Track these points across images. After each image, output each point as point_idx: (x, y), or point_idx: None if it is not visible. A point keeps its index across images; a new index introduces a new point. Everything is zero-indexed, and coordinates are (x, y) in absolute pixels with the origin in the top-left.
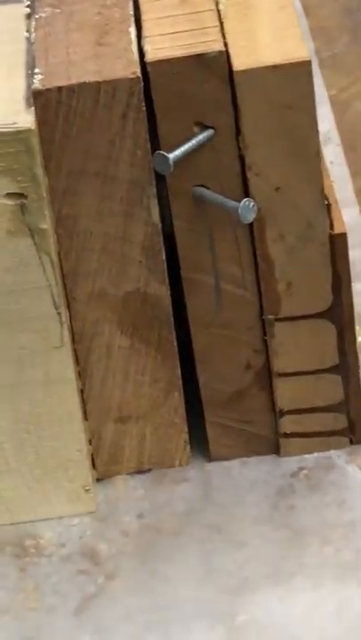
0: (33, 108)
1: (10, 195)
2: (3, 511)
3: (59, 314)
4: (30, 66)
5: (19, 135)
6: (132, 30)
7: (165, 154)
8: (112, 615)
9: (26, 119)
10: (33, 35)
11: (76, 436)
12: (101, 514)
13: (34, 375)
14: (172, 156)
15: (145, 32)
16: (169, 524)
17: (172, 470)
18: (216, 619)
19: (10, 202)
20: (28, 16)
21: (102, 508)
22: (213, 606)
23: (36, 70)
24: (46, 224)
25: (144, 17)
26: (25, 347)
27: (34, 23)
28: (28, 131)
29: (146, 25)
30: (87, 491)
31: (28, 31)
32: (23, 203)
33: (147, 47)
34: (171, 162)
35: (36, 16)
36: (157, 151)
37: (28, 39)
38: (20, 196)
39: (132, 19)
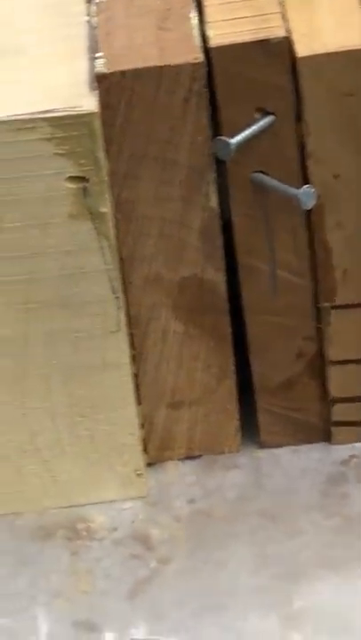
0: (96, 91)
1: (72, 178)
2: (56, 494)
3: (116, 298)
4: (92, 50)
5: (82, 119)
6: (194, 16)
7: (227, 139)
8: (166, 599)
9: (89, 103)
10: (94, 19)
11: (129, 421)
12: (153, 499)
13: (89, 359)
14: (233, 141)
15: (207, 17)
16: (220, 510)
17: (222, 456)
18: (272, 605)
19: (72, 185)
20: (88, 0)
21: (153, 493)
22: (268, 593)
23: (99, 54)
24: (106, 208)
25: (205, 2)
26: (82, 330)
27: (94, 8)
28: (92, 114)
29: (207, 11)
30: (139, 475)
31: (88, 15)
32: (85, 186)
33: (209, 32)
34: (232, 147)
35: (97, 0)
36: (219, 136)
37: (88, 23)
38: (82, 179)
39: (193, 4)
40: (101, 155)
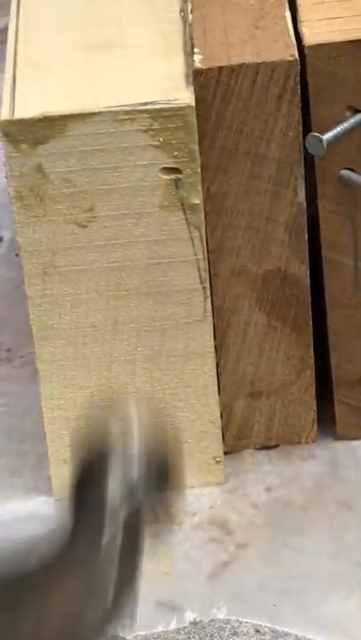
0: (192, 86)
1: (165, 169)
2: None
3: (203, 288)
4: (188, 45)
5: (179, 111)
6: (288, 15)
7: (320, 135)
8: (246, 582)
9: (186, 96)
10: (190, 15)
11: (210, 408)
12: (230, 486)
13: (174, 347)
14: (325, 137)
15: (301, 16)
16: (298, 499)
17: (298, 447)
18: (352, 590)
19: (165, 176)
20: None
21: (231, 481)
22: (349, 578)
23: (196, 50)
24: (198, 199)
25: (299, 2)
26: (168, 318)
27: (190, 4)
28: (188, 107)
29: (301, 9)
30: (218, 462)
31: (182, 11)
32: (178, 178)
33: (304, 31)
34: (324, 144)
35: None
36: (311, 133)
37: (183, 19)
38: (176, 170)
39: (287, 4)
40: (195, 147)
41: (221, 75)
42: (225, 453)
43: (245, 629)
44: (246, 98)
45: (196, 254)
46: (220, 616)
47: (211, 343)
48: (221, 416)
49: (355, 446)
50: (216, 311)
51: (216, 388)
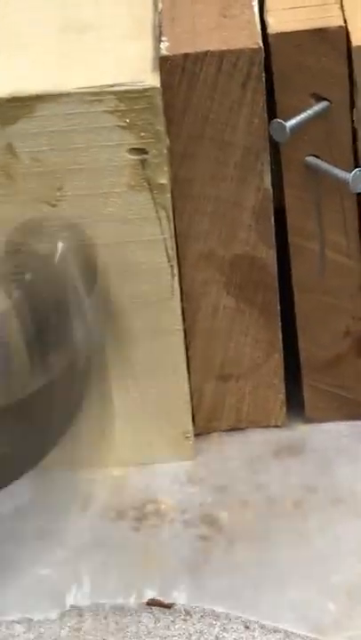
0: (159, 70)
1: (132, 150)
2: (107, 453)
3: (171, 266)
4: (157, 32)
5: (144, 93)
6: (255, 4)
7: (283, 122)
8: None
9: (152, 79)
10: (160, 3)
11: (179, 385)
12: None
13: (144, 325)
14: (288, 124)
15: (267, 6)
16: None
17: (267, 430)
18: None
19: (132, 156)
20: None
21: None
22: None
23: (163, 38)
24: (165, 180)
25: None
26: (137, 297)
27: None
28: (154, 89)
29: None
30: (187, 438)
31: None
32: (145, 158)
33: (269, 20)
34: (288, 130)
35: None
36: (276, 119)
37: (154, 5)
38: (142, 151)
39: None
40: (162, 129)
41: (187, 62)
42: (196, 435)
43: (235, 626)
44: (211, 85)
45: (163, 233)
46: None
47: (179, 321)
48: (192, 398)
49: (323, 429)
50: (185, 295)
51: (185, 365)
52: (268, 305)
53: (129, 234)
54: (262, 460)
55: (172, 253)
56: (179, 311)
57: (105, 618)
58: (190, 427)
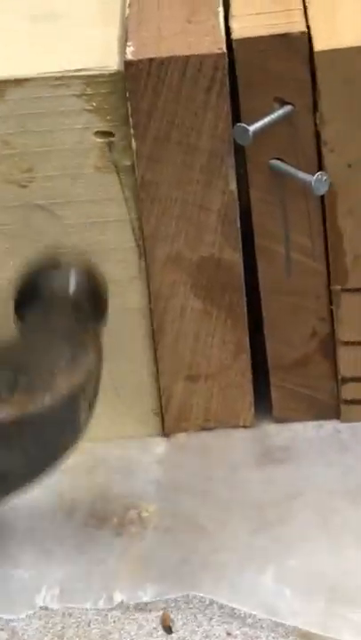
0: (124, 57)
1: (99, 133)
2: None
3: (138, 246)
4: (124, 17)
5: (110, 77)
6: (221, 10)
7: (246, 126)
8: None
9: (118, 63)
10: (127, 9)
11: (147, 363)
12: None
13: (112, 303)
14: (252, 128)
15: (233, 11)
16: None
17: (235, 429)
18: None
19: (99, 139)
20: None
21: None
22: (265, 553)
23: (129, 43)
24: (130, 161)
25: None
26: (106, 276)
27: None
28: (118, 73)
29: (234, 4)
30: (156, 414)
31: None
32: (111, 141)
33: (233, 25)
34: (250, 134)
35: None
36: (238, 123)
37: (122, 13)
38: (108, 134)
39: None
40: (126, 112)
41: (152, 67)
42: (165, 435)
43: (217, 632)
44: (176, 90)
45: (129, 214)
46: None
47: (146, 299)
48: (161, 399)
49: (290, 428)
50: (153, 296)
51: (152, 341)
52: (235, 306)
53: (97, 214)
54: (231, 460)
55: (139, 233)
56: (145, 290)
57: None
58: (158, 404)
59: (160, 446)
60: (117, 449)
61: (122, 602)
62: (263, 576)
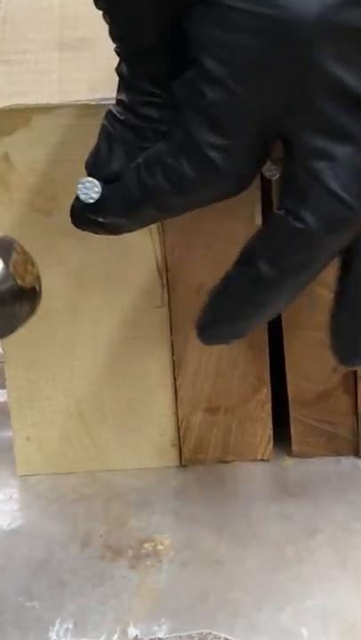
0: None
1: None
2: (94, 457)
3: (161, 276)
4: None
5: None
6: None
7: None
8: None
9: None
10: None
11: (167, 393)
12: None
13: (133, 332)
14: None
15: None
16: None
17: (253, 463)
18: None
19: None
20: None
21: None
22: (283, 591)
23: None
24: None
25: None
26: (127, 305)
27: None
28: None
29: None
30: (174, 445)
31: None
32: None
33: None
34: None
35: None
36: None
37: None
38: None
39: None
40: None
41: None
42: (183, 467)
43: None
44: None
45: (153, 244)
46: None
47: (167, 330)
48: (179, 430)
49: (308, 463)
50: (174, 328)
51: (172, 372)
52: (257, 340)
53: (120, 245)
54: (249, 494)
55: (162, 264)
56: (167, 321)
57: None
58: (177, 434)
59: (177, 478)
60: (134, 480)
61: (136, 636)
62: (280, 615)
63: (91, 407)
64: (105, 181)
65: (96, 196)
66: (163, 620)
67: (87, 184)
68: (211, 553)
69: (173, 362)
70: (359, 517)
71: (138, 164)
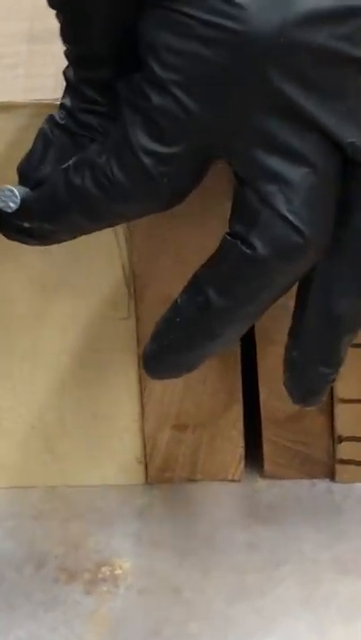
0: None
1: None
2: (56, 472)
3: (128, 288)
4: None
5: None
6: None
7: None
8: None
9: None
10: None
11: (132, 408)
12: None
13: (98, 344)
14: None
15: None
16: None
17: (222, 484)
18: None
19: None
20: None
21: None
22: (242, 626)
23: None
24: None
25: None
26: (93, 316)
27: None
28: None
29: None
30: (140, 462)
31: None
32: None
33: None
34: None
35: None
36: None
37: None
38: None
39: None
40: None
41: None
42: (148, 485)
43: None
44: None
45: (120, 252)
46: None
47: (134, 342)
48: (145, 447)
49: (281, 485)
50: (141, 340)
51: (139, 386)
52: (229, 355)
53: (85, 254)
54: (216, 517)
55: (130, 275)
56: (134, 334)
57: None
58: (142, 452)
59: (142, 497)
60: (96, 497)
61: None
62: None
63: (52, 420)
64: (34, 185)
65: (14, 205)
66: None
67: (7, 192)
68: (170, 579)
69: (140, 375)
70: (329, 547)
71: (67, 165)
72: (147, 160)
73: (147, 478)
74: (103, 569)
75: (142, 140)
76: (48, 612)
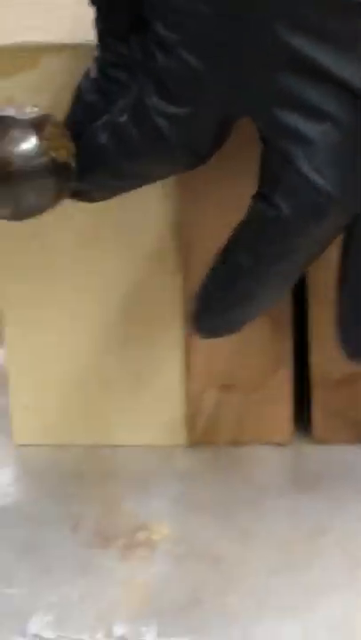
0: None
1: None
2: (97, 431)
3: (175, 242)
4: None
5: None
6: None
7: None
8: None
9: None
10: None
11: (177, 366)
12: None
13: (145, 300)
14: None
15: None
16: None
17: (269, 447)
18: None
19: None
20: None
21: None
22: (285, 598)
23: None
24: None
25: None
26: (142, 270)
27: None
28: None
29: None
30: (183, 424)
31: None
32: None
33: None
34: None
35: None
36: None
37: None
38: None
39: None
40: None
41: None
42: (191, 448)
43: None
44: None
45: (168, 208)
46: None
47: (181, 298)
48: (189, 408)
49: (329, 451)
50: (188, 294)
51: (184, 344)
52: (280, 315)
53: (134, 214)
54: (261, 483)
55: (178, 230)
56: (181, 288)
57: None
58: (186, 412)
59: (183, 460)
60: (136, 458)
61: (122, 636)
62: (280, 627)
63: (95, 377)
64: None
65: None
66: (151, 620)
67: None
68: (210, 547)
69: (186, 334)
70: None
71: (96, 125)
72: (160, 121)
73: (190, 440)
74: (140, 534)
75: (155, 101)
76: (81, 578)
